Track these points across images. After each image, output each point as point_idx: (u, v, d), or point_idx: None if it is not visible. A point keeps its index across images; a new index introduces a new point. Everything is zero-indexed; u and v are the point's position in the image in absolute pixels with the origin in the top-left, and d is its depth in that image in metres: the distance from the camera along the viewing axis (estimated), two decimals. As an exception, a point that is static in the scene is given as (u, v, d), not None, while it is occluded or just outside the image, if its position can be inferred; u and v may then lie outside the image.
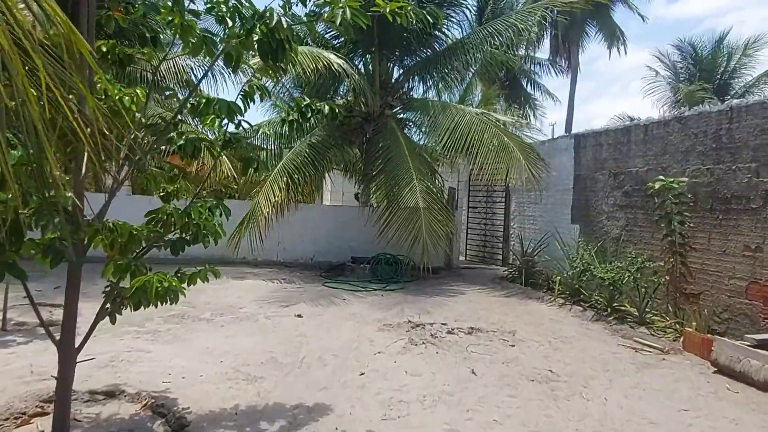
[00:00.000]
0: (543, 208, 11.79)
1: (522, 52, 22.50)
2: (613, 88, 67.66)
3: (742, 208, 6.74)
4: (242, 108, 4.19)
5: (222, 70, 10.34)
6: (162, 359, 5.27)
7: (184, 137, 3.52)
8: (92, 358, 3.88)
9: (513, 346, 6.42)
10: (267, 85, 11.32)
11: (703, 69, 19.52)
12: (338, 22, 3.43)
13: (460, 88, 15.04)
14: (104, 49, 3.91)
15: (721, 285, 7.00)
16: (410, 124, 12.71)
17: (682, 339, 6.66)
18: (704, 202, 7.31)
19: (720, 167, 7.09)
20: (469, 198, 14.93)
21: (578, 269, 8.83)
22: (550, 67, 25.01)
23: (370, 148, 11.64)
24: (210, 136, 4.95)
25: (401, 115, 12.60)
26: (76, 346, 3.55)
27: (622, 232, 9.01)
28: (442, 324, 7.33)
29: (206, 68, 9.90)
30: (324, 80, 11.01)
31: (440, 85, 13.43)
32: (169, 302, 3.31)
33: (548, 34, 24.33)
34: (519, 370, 5.55)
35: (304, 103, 4.25)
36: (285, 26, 3.36)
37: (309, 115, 4.24)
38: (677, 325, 7.19)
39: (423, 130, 12.16)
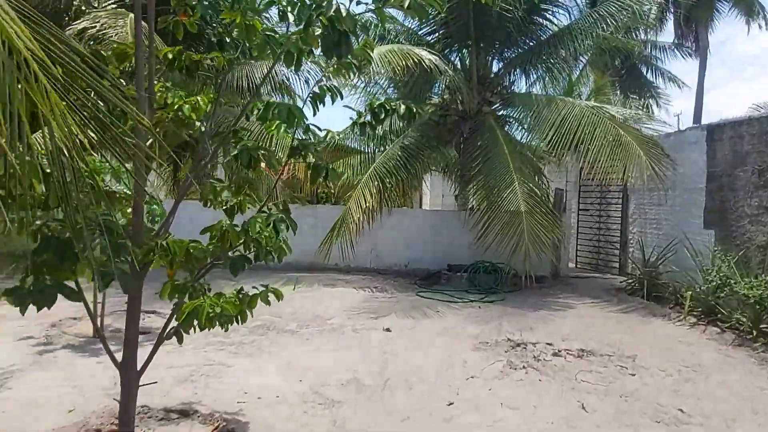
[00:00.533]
0: (668, 210, 10.35)
1: (641, 36, 20.40)
2: (748, 72, 59.23)
3: None
4: (312, 111, 3.87)
5: (314, 76, 10.24)
6: (241, 375, 5.10)
7: (239, 146, 3.21)
8: (154, 382, 3.72)
9: (633, 375, 5.48)
10: (359, 85, 11.18)
11: None
12: (407, 5, 2.92)
13: (566, 80, 13.89)
14: (170, 56, 3.74)
15: None
16: (511, 120, 11.86)
17: None
18: None
19: None
20: (580, 200, 13.68)
21: (714, 283, 7.51)
22: (675, 50, 22.44)
23: (467, 148, 10.99)
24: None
25: (501, 112, 11.78)
26: (139, 368, 3.40)
27: (771, 240, 7.53)
28: (547, 344, 6.52)
29: (306, 76, 9.99)
30: (416, 79, 10.54)
31: (545, 78, 12.42)
32: (222, 327, 3.03)
33: (671, 14, 21.86)
34: (640, 406, 4.66)
35: (377, 103, 3.78)
36: (345, 15, 2.91)
37: (382, 116, 3.77)
38: None
39: (525, 126, 11.27)
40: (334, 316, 7.62)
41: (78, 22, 7.98)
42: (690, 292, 8.02)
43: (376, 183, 9.67)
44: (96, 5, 8.61)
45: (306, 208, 11.65)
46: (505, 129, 11.45)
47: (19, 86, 2.03)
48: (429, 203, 18.96)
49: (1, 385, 4.64)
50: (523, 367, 5.63)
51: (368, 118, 3.79)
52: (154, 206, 5.65)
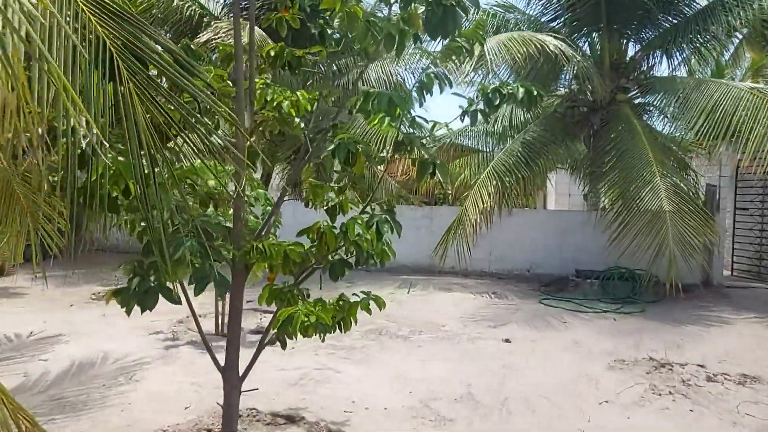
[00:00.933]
0: None
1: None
2: None
3: None
4: (419, 102, 3.55)
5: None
6: (350, 381, 4.93)
7: (336, 140, 2.97)
8: (256, 389, 3.63)
9: (815, 411, 4.45)
10: (476, 79, 10.66)
11: None
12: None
13: (715, 62, 12.11)
14: (272, 53, 3.63)
15: None
16: (650, 109, 10.64)
17: None
18: None
19: None
20: (737, 197, 11.85)
21: None
22: None
23: (598, 141, 10.00)
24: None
25: (638, 100, 10.59)
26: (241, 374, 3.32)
27: None
28: (699, 366, 5.56)
29: (415, 68, 9.78)
30: (539, 69, 9.75)
31: (692, 60, 10.92)
32: (320, 336, 2.81)
33: None
34: (828, 453, 3.71)
35: (491, 87, 3.35)
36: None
37: (497, 102, 3.32)
38: None
39: (668, 114, 9.99)
40: (448, 322, 7.23)
41: (202, 34, 8.54)
42: None
43: (494, 182, 9.14)
44: (222, 19, 9.18)
45: (421, 209, 11.39)
46: (643, 119, 10.31)
47: (121, 88, 1.95)
48: (554, 203, 17.77)
49: (131, 377, 4.92)
50: (670, 392, 4.85)
51: (481, 105, 3.36)
52: (268, 208, 5.71)
